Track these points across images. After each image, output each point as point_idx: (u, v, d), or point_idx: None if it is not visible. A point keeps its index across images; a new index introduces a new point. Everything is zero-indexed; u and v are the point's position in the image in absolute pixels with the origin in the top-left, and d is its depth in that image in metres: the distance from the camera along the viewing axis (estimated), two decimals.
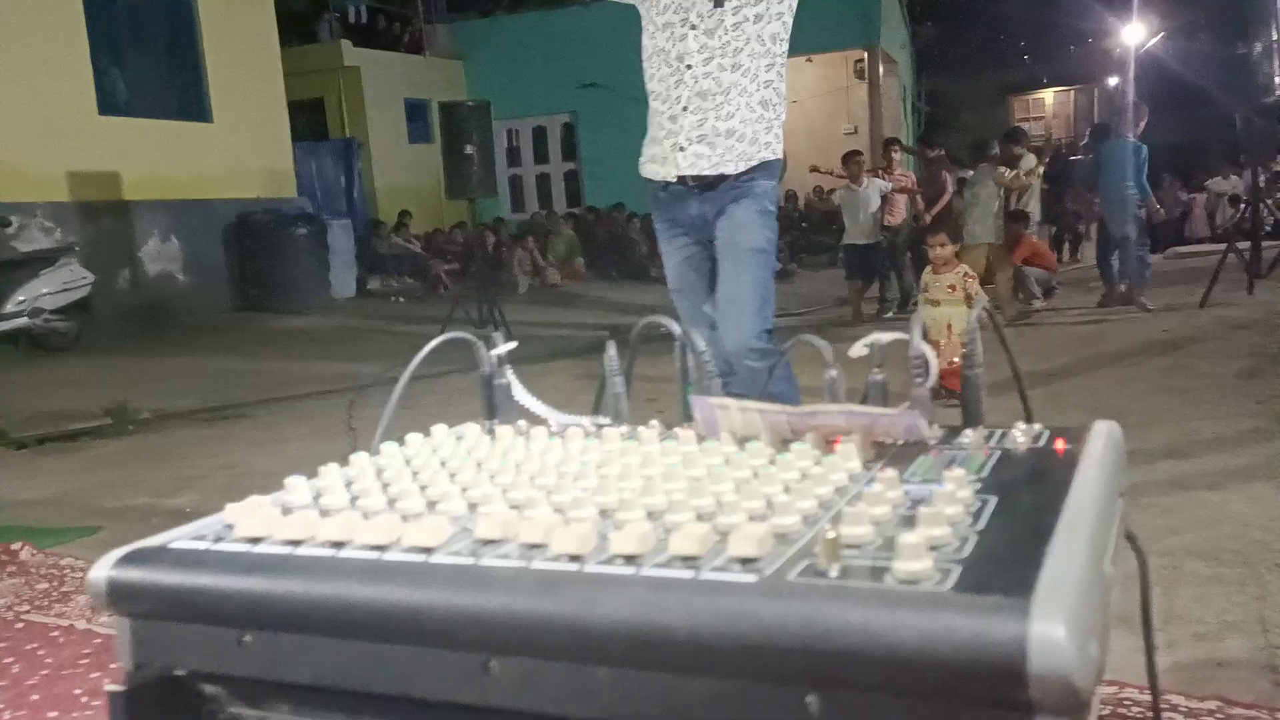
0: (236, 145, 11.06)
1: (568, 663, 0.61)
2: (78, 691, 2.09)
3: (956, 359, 4.57)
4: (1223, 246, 7.75)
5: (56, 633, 2.43)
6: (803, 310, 10.05)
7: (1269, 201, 8.75)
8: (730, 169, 2.66)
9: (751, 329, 2.58)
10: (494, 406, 1.10)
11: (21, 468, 4.61)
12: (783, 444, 0.89)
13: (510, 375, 1.11)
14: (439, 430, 1.04)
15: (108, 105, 9.89)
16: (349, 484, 0.88)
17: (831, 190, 16.32)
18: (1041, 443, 0.88)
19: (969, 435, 0.91)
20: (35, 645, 2.36)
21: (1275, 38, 6.96)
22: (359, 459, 0.94)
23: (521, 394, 1.11)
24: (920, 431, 0.89)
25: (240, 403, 6.12)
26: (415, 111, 15.06)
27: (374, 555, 0.70)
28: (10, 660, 2.28)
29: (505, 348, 1.10)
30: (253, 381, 6.93)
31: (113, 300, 9.64)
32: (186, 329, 9.89)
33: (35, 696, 2.08)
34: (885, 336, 0.97)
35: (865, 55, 16.38)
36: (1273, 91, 7.06)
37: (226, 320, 10.59)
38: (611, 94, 14.88)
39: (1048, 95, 25.23)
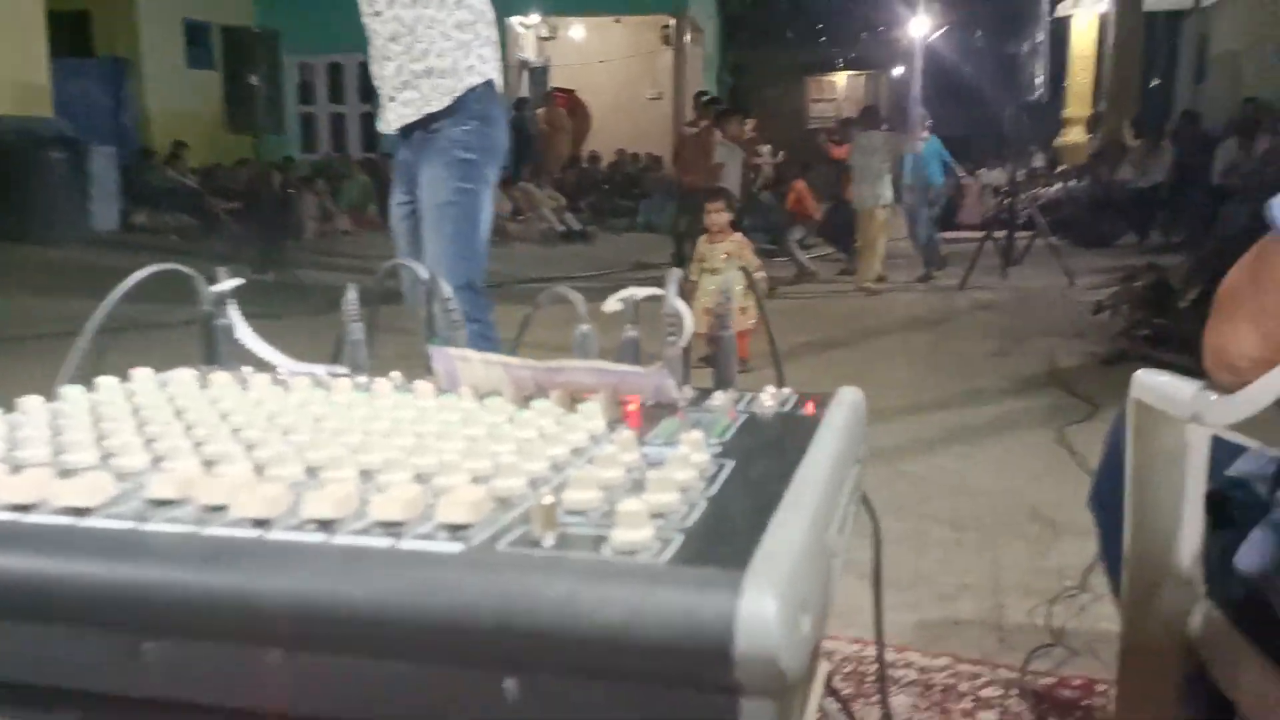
0: None
1: (234, 645, 0.53)
2: None
3: (737, 326, 4.68)
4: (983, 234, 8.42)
5: None
6: (596, 272, 10.06)
7: (1024, 195, 9.49)
8: (436, 106, 2.55)
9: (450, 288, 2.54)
10: (213, 351, 0.98)
11: None
12: (525, 401, 0.83)
13: (234, 315, 0.99)
14: (141, 374, 0.92)
15: None
16: (11, 431, 0.75)
17: (635, 155, 16.45)
18: (788, 408, 0.86)
19: (718, 398, 0.88)
20: None
21: (1040, 39, 7.55)
22: (29, 402, 0.80)
23: (247, 336, 1.00)
24: (669, 392, 0.85)
25: None
26: (196, 34, 13.91)
27: (12, 517, 0.59)
28: None
29: (229, 284, 0.98)
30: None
31: None
32: None
33: None
34: (640, 292, 0.92)
35: (673, 22, 16.52)
36: (1034, 90, 7.63)
37: None
38: None
39: (840, 78, 26.36)
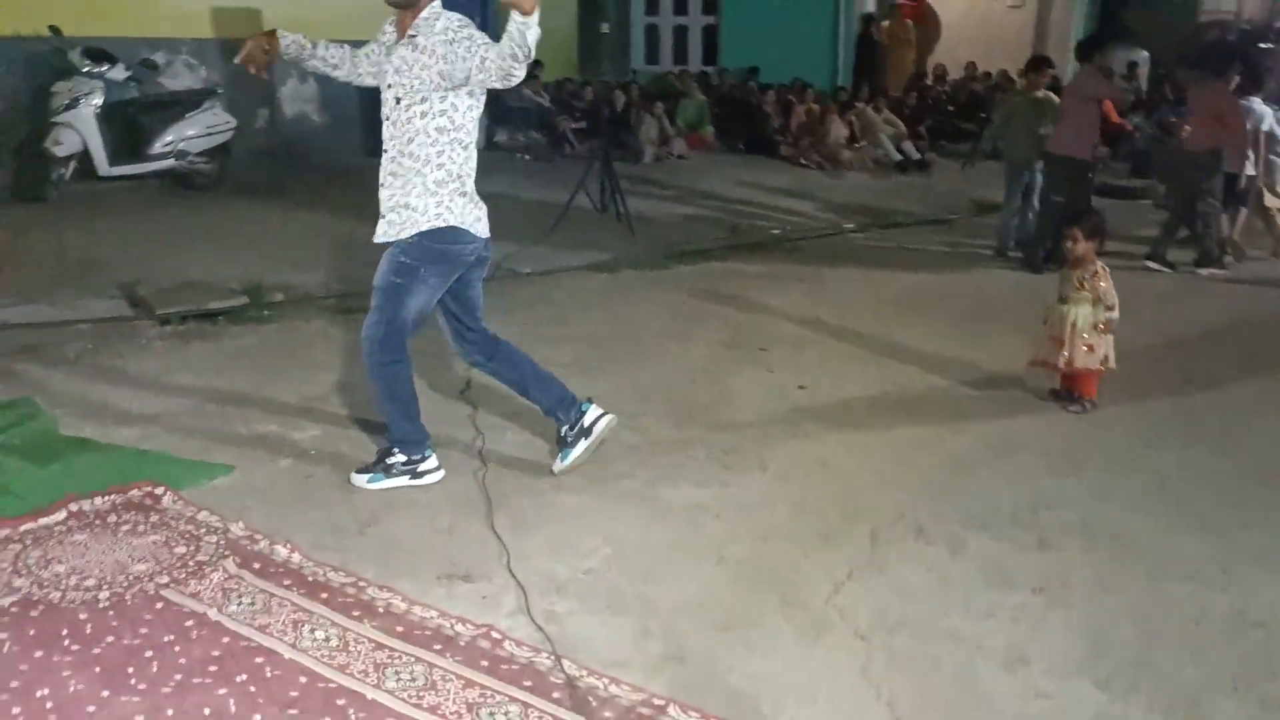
0: None
1: None
2: (207, 712, 2.32)
3: (1079, 363, 4.36)
4: None
5: (190, 622, 2.67)
6: (930, 216, 9.56)
7: None
8: (405, 234, 3.34)
9: (364, 334, 3.48)
10: None
11: (162, 358, 4.90)
12: None
13: None
14: None
15: None
16: None
17: (986, 72, 15.27)
18: None
19: None
20: (171, 638, 2.60)
21: None
22: None
23: None
24: None
25: (364, 290, 6.27)
26: None
27: None
28: (150, 655, 2.52)
29: None
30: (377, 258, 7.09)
31: (252, 140, 9.87)
32: (319, 174, 10.09)
33: (170, 711, 2.31)
34: None
35: None
36: None
37: (356, 167, 10.72)
38: None
39: None
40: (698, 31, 15.44)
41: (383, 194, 3.37)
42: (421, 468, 3.60)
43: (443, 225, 3.33)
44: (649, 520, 3.38)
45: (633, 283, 6.81)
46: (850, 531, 3.30)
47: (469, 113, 3.32)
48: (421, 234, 3.32)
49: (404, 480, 3.56)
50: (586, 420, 3.64)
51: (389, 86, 3.31)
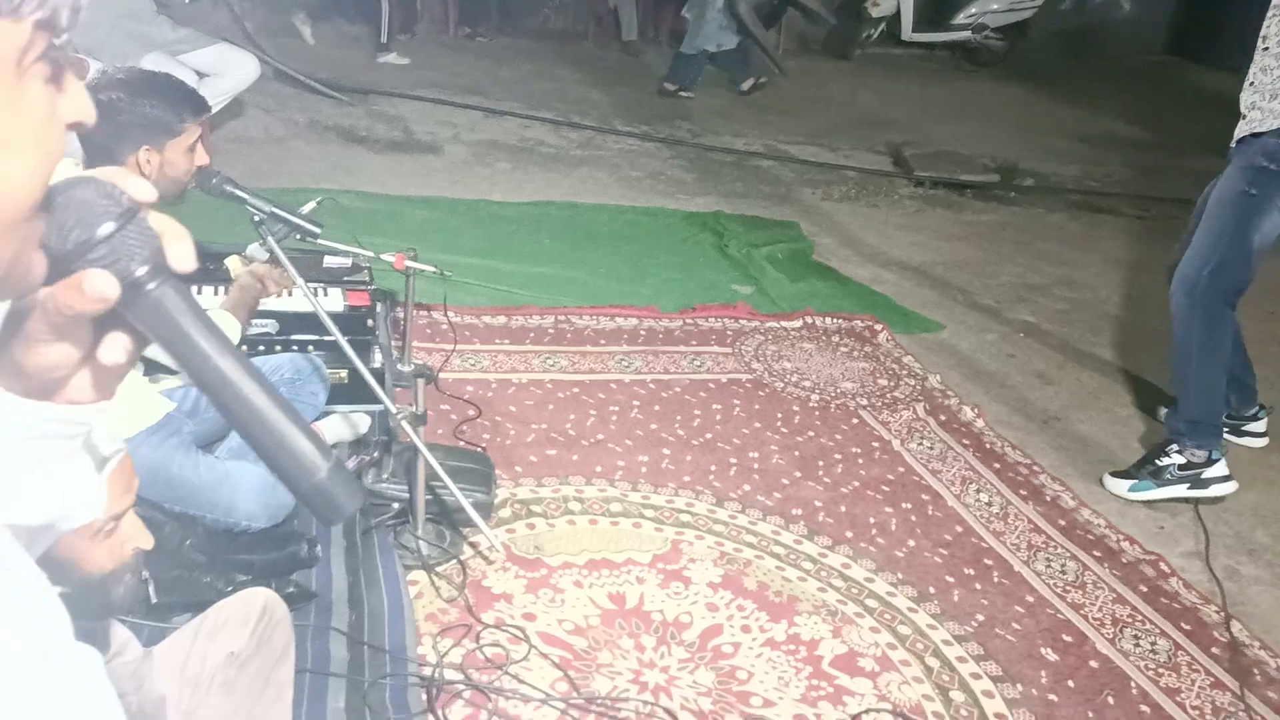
0: None
1: None
2: (871, 520, 2.58)
3: None
4: None
5: (876, 444, 2.96)
6: None
7: None
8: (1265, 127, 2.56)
9: (1183, 271, 2.73)
10: None
11: (908, 215, 5.23)
12: None
13: None
14: None
15: None
16: None
17: None
18: None
19: None
20: (858, 451, 2.91)
21: None
22: None
23: None
24: None
25: (1120, 193, 5.94)
26: None
27: None
28: (838, 458, 2.86)
29: None
30: (1140, 162, 6.61)
31: (1052, 21, 9.59)
32: (1110, 66, 9.52)
33: (843, 508, 2.63)
34: None
35: None
36: None
37: (1151, 65, 9.92)
38: None
39: None
40: None
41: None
42: (1207, 474, 2.75)
43: None
44: None
45: None
46: None
47: None
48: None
49: (1180, 490, 2.76)
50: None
51: None
